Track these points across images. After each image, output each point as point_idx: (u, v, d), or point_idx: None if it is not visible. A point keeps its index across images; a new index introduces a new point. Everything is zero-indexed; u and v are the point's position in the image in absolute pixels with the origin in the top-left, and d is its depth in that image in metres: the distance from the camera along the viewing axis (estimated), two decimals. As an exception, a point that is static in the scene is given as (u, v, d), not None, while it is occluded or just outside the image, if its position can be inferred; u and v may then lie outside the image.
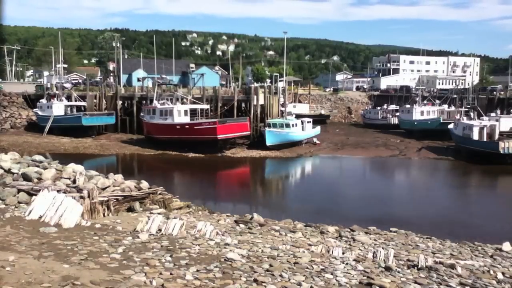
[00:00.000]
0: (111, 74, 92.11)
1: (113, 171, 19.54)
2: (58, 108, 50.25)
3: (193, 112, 44.22)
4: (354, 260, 10.90)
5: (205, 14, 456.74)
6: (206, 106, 46.30)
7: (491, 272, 11.04)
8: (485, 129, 40.12)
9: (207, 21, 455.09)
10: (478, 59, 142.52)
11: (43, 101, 52.61)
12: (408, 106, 61.11)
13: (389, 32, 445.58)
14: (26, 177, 15.22)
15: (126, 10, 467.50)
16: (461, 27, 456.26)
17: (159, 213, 14.58)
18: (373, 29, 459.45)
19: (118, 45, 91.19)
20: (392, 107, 69.51)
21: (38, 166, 16.85)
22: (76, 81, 77.69)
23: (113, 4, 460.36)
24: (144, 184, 17.77)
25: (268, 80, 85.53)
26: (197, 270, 8.34)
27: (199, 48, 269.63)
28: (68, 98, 53.22)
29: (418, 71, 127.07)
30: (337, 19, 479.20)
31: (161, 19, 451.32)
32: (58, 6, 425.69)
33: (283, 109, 49.95)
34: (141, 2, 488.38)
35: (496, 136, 39.62)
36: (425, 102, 62.06)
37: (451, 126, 47.27)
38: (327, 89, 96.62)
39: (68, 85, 57.57)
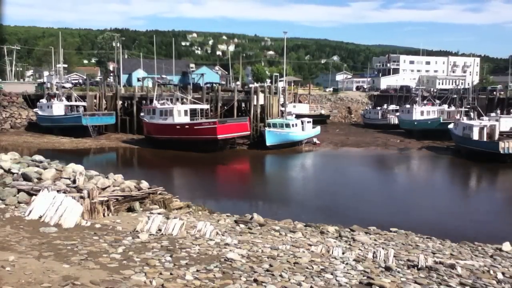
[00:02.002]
0: (111, 74, 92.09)
1: (113, 171, 19.54)
2: (58, 108, 50.28)
3: (193, 112, 44.24)
4: (354, 260, 10.89)
5: (228, 18, 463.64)
6: (206, 106, 46.32)
7: (491, 272, 11.04)
8: (485, 129, 40.12)
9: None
10: (478, 59, 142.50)
11: (43, 101, 52.63)
12: (408, 106, 61.12)
13: (404, 34, 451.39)
14: (26, 177, 15.20)
15: (151, 14, 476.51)
16: (475, 30, 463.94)
17: (159, 213, 14.58)
18: (388, 31, 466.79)
19: (118, 45, 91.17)
20: (392, 107, 69.53)
21: (38, 166, 16.83)
22: (76, 81, 77.70)
23: (139, 8, 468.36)
24: (144, 184, 17.74)
25: (268, 80, 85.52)
26: (197, 270, 8.34)
27: (199, 48, 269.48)
28: (68, 98, 53.23)
29: (418, 71, 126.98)
30: (354, 21, 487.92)
31: (185, 23, 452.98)
32: (86, 10, 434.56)
33: (283, 109, 49.94)
34: (166, 7, 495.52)
35: (496, 136, 39.63)
36: (425, 102, 62.08)
37: (451, 126, 47.28)
38: (327, 89, 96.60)
39: (68, 85, 57.57)
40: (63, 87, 55.05)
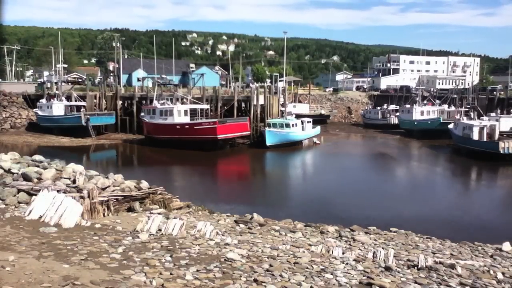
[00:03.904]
0: (111, 74, 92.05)
1: (113, 171, 19.54)
2: (58, 108, 50.27)
3: (193, 112, 44.25)
4: (354, 260, 10.89)
5: (249, 21, 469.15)
6: (206, 106, 46.33)
7: (491, 272, 11.03)
8: (485, 129, 40.14)
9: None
10: (478, 59, 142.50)
11: (43, 101, 52.61)
12: (408, 106, 61.15)
13: (415, 36, 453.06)
14: (26, 177, 15.19)
15: (173, 18, 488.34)
16: (486, 32, 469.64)
17: (159, 213, 14.57)
18: (401, 33, 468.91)
19: (118, 45, 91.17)
20: (392, 107, 69.57)
21: (38, 166, 16.81)
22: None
23: (162, 12, 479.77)
24: (144, 184, 17.73)
25: (268, 80, 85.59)
26: (197, 270, 8.34)
27: (199, 48, 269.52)
28: (68, 98, 53.22)
29: (418, 71, 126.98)
30: (372, 24, 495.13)
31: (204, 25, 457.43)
32: (112, 14, 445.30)
33: (283, 109, 49.97)
34: (188, 11, 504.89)
35: (496, 136, 39.65)
36: (425, 102, 62.12)
37: (451, 126, 47.29)
38: (327, 89, 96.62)
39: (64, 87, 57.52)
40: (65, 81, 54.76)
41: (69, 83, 58.54)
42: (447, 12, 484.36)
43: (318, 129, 50.01)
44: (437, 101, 62.99)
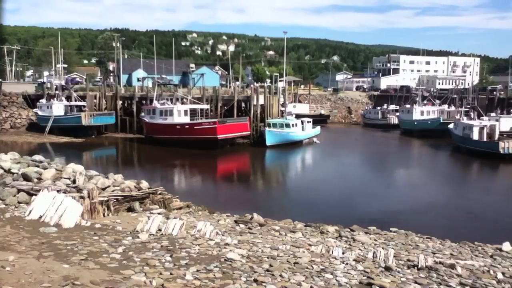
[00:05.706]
0: (111, 74, 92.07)
1: (113, 171, 19.54)
2: (58, 108, 50.26)
3: (193, 112, 44.26)
4: (354, 260, 10.88)
5: (265, 24, 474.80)
6: (206, 106, 46.34)
7: (491, 272, 11.03)
8: (485, 129, 40.15)
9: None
10: (478, 59, 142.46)
11: (43, 101, 52.60)
12: (408, 106, 61.16)
13: (423, 37, 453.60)
14: (26, 177, 15.19)
15: (192, 22, 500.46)
16: (495, 33, 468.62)
17: (159, 213, 14.57)
18: (408, 35, 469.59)
19: (118, 45, 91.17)
20: (392, 107, 69.58)
21: (38, 166, 16.83)
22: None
23: (183, 15, 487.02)
24: (144, 184, 17.75)
25: (268, 80, 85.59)
26: (197, 270, 8.32)
27: (199, 48, 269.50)
28: (68, 98, 53.21)
29: (418, 71, 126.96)
30: (385, 27, 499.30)
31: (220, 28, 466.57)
32: (134, 17, 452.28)
33: (283, 109, 49.98)
34: (206, 14, 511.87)
35: (496, 136, 39.66)
36: (425, 102, 62.13)
37: (451, 126, 47.30)
38: (327, 89, 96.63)
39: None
40: (63, 87, 54.90)
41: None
42: (461, 15, 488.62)
43: (318, 129, 50.04)
44: (437, 101, 63.02)
